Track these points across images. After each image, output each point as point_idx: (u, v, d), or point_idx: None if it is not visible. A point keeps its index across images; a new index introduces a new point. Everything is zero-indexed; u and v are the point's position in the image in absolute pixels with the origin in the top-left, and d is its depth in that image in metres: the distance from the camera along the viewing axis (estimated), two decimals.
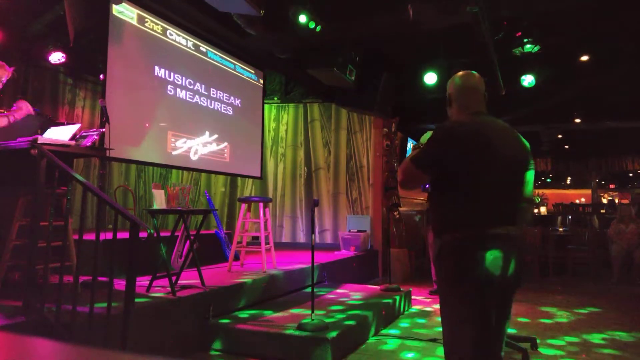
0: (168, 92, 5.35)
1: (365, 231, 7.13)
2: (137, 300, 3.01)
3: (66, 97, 6.41)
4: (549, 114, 8.38)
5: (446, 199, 1.88)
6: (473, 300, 1.75)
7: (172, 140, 5.41)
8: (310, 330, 3.29)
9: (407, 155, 2.03)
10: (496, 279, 1.74)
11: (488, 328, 1.77)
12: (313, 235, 3.61)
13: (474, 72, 2.05)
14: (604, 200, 18.53)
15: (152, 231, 2.61)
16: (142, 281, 3.65)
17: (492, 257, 1.74)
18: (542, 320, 4.57)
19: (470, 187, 1.80)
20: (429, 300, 5.62)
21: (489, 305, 1.76)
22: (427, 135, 1.99)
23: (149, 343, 3.05)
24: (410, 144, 8.74)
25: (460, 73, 2.05)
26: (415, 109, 8.44)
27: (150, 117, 5.11)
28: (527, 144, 1.96)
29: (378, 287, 5.21)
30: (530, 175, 1.91)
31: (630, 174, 17.84)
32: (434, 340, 3.82)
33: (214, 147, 6.09)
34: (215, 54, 6.17)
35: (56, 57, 5.45)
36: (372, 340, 3.85)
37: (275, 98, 8.19)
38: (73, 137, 3.32)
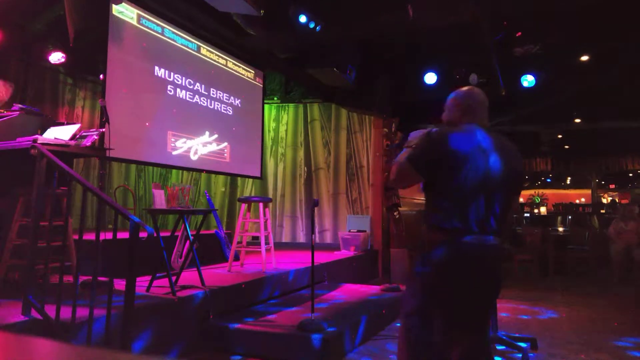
0: (168, 92, 5.36)
1: (365, 231, 7.13)
2: (137, 300, 3.01)
3: (66, 97, 6.41)
4: (549, 114, 8.38)
5: (433, 200, 1.94)
6: (423, 297, 1.87)
7: (172, 140, 5.40)
8: (310, 330, 3.29)
9: (401, 154, 2.05)
10: (461, 288, 1.83)
11: (428, 329, 1.86)
12: (313, 235, 3.61)
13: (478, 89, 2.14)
14: (604, 200, 18.54)
15: (152, 231, 2.61)
16: (142, 281, 3.64)
17: (462, 264, 1.82)
18: (542, 320, 4.57)
19: (455, 192, 1.85)
20: None
21: (435, 307, 1.86)
22: (417, 133, 2.05)
23: (149, 343, 3.04)
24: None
25: (472, 88, 2.13)
26: (415, 109, 8.42)
27: (150, 117, 5.11)
28: (521, 169, 2.05)
29: (378, 287, 5.20)
30: (515, 199, 2.03)
31: (630, 174, 17.84)
32: None
33: (213, 147, 6.09)
34: (215, 54, 6.16)
35: (56, 57, 5.45)
36: (372, 340, 3.84)
37: (275, 98, 8.18)
38: (73, 137, 3.32)
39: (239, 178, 8.10)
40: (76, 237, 2.98)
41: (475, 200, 1.83)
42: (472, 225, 1.82)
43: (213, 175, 7.90)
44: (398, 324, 4.27)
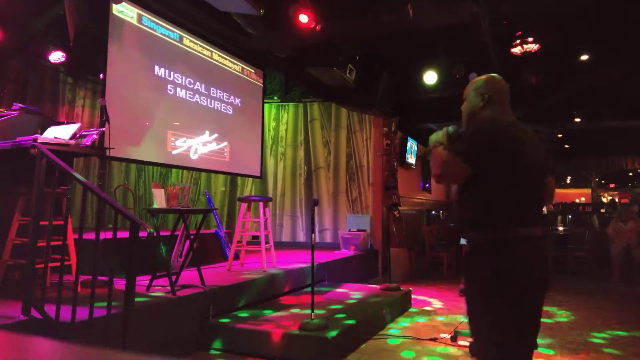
0: (168, 91, 5.35)
1: (365, 230, 7.13)
2: (137, 299, 3.01)
3: (66, 96, 6.41)
4: (549, 113, 8.38)
5: (480, 197, 1.86)
6: (507, 303, 1.75)
7: (172, 139, 5.40)
8: (310, 329, 3.29)
9: (430, 148, 1.97)
10: (527, 281, 1.76)
11: (520, 332, 1.79)
12: (313, 235, 3.61)
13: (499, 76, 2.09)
14: (604, 200, 18.54)
15: (152, 230, 2.61)
16: (142, 280, 3.65)
17: (524, 258, 1.75)
18: (542, 320, 4.57)
19: (506, 186, 1.80)
20: (429, 299, 5.62)
21: (524, 308, 1.79)
22: (435, 136, 1.99)
23: (149, 342, 3.05)
24: (410, 143, 8.73)
25: (496, 76, 2.06)
26: (415, 108, 8.44)
27: (150, 117, 5.11)
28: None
29: (378, 287, 5.21)
30: (550, 182, 1.99)
31: (630, 173, 17.85)
32: (434, 339, 3.83)
33: (213, 147, 6.09)
34: (215, 53, 6.16)
35: (56, 56, 5.45)
36: (372, 339, 3.85)
37: (275, 97, 8.18)
38: (73, 136, 3.32)
39: (238, 177, 8.10)
40: (76, 236, 2.98)
41: (528, 190, 1.82)
42: (529, 217, 1.80)
43: (213, 175, 7.90)
44: (403, 324, 4.29)
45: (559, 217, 11.50)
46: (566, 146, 12.64)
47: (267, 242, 4.81)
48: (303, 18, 4.81)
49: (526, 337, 1.82)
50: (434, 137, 1.99)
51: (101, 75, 4.58)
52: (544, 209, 2.12)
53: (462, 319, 4.38)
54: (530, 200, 1.84)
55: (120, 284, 2.88)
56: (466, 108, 2.05)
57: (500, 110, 1.96)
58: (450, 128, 1.99)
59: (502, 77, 2.06)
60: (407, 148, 8.63)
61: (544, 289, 1.85)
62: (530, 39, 5.34)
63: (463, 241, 4.28)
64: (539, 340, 3.69)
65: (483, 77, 2.07)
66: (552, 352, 3.56)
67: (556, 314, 4.87)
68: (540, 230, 1.83)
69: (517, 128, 1.89)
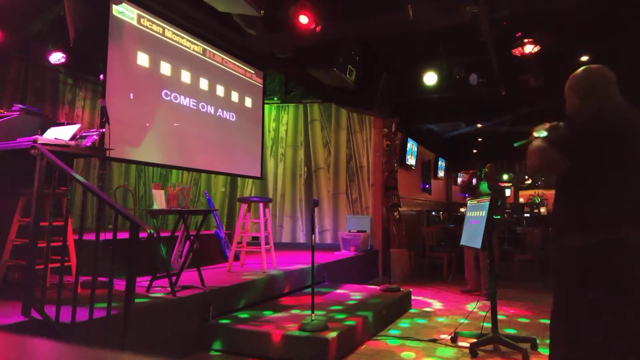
0: (168, 91, 5.35)
1: (365, 231, 7.13)
2: (137, 300, 3.01)
3: (66, 97, 6.41)
4: (549, 113, 8.35)
5: (581, 194, 1.65)
6: (614, 319, 1.50)
7: (172, 139, 5.40)
8: (310, 330, 3.29)
9: (535, 142, 1.77)
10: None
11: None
12: (313, 236, 3.60)
13: (599, 65, 1.91)
14: None
15: (152, 231, 2.60)
16: (142, 281, 3.65)
17: (629, 264, 1.51)
18: (542, 321, 4.57)
19: (615, 181, 1.59)
20: (429, 300, 5.62)
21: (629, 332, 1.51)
22: (541, 127, 1.86)
23: (149, 343, 3.04)
24: (410, 144, 8.74)
25: (591, 66, 1.90)
26: (415, 109, 8.44)
27: (149, 117, 5.11)
28: None
29: (378, 287, 5.20)
30: None
31: None
32: (434, 340, 3.83)
33: (213, 147, 6.09)
34: (215, 54, 6.16)
35: (56, 57, 5.46)
36: (372, 340, 3.84)
37: (276, 98, 8.19)
38: (73, 137, 3.32)
39: (239, 178, 8.10)
40: (76, 237, 2.98)
41: (635, 186, 1.60)
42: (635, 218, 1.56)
43: (213, 176, 7.90)
44: (403, 325, 4.29)
45: None
46: None
47: (267, 243, 4.80)
48: (303, 19, 4.81)
49: None
50: (538, 128, 1.85)
51: (101, 76, 4.58)
52: None
53: (462, 319, 4.38)
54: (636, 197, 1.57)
55: (120, 284, 2.88)
56: (567, 109, 1.91)
57: (601, 101, 1.77)
58: (561, 123, 1.82)
59: (602, 66, 1.87)
60: (407, 149, 8.63)
61: None
62: (530, 40, 5.34)
63: (464, 242, 4.29)
64: (539, 341, 3.69)
65: (579, 70, 1.90)
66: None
67: None
68: None
69: (623, 113, 1.68)
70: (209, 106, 6.01)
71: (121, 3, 4.68)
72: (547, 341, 1.80)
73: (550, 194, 20.74)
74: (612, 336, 1.51)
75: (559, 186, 1.74)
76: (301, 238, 7.96)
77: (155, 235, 3.52)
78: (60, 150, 3.05)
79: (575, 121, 1.74)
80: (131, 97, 4.85)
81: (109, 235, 3.00)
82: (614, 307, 1.50)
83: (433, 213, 10.29)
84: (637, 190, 1.59)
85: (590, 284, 1.54)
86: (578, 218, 1.64)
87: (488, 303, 3.81)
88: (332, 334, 3.26)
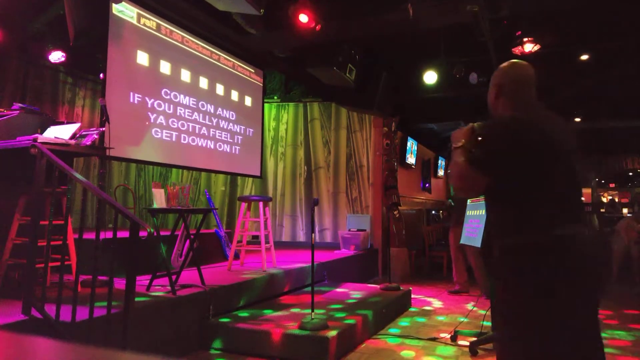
0: (168, 90, 5.35)
1: (365, 230, 7.14)
2: (137, 299, 3.01)
3: (66, 96, 6.41)
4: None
5: (508, 200, 1.65)
6: (553, 316, 1.50)
7: (173, 139, 5.40)
8: (310, 329, 3.29)
9: (452, 155, 1.72)
10: (573, 289, 1.51)
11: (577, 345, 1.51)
12: (313, 234, 3.61)
13: (524, 62, 1.82)
14: (604, 199, 18.54)
15: (152, 230, 2.61)
16: (142, 280, 3.65)
17: (567, 262, 1.52)
18: None
19: (535, 185, 1.59)
20: (428, 299, 5.62)
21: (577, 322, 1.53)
22: (459, 133, 1.76)
23: (149, 342, 3.05)
24: (410, 143, 8.74)
25: (512, 63, 1.81)
26: (415, 108, 8.44)
27: (149, 116, 5.11)
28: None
29: (378, 286, 5.21)
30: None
31: (630, 173, 17.85)
32: (433, 339, 3.83)
33: (214, 146, 6.09)
34: (215, 53, 6.16)
35: (56, 56, 5.46)
36: (372, 339, 3.85)
37: (275, 97, 8.19)
38: (73, 136, 3.33)
39: (239, 177, 8.10)
40: (76, 236, 2.98)
41: (557, 187, 1.59)
42: (563, 217, 1.57)
43: (213, 175, 7.90)
44: (403, 323, 4.29)
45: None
46: None
47: (267, 242, 4.81)
48: (303, 18, 4.81)
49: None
50: (457, 135, 1.73)
51: (101, 75, 4.58)
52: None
53: (462, 318, 4.38)
54: (564, 196, 1.60)
55: (120, 283, 2.89)
56: (488, 102, 1.85)
57: (513, 105, 1.73)
58: (477, 125, 1.73)
59: (526, 63, 1.79)
60: (407, 148, 8.64)
61: (594, 304, 1.57)
62: (530, 39, 5.34)
63: (463, 240, 4.29)
64: None
65: (504, 64, 1.81)
66: None
67: None
68: (587, 228, 1.60)
69: (538, 122, 1.65)
70: (208, 105, 6.01)
71: (121, 2, 4.67)
72: None
73: None
74: (544, 340, 1.51)
75: (490, 192, 1.72)
76: (301, 237, 7.97)
77: (155, 234, 3.52)
78: (60, 149, 3.05)
79: (489, 130, 1.68)
80: (131, 96, 4.85)
81: (109, 234, 3.00)
82: (545, 313, 1.51)
83: (433, 212, 10.30)
84: (558, 194, 1.59)
85: (523, 285, 1.56)
86: (507, 223, 1.65)
87: (488, 302, 3.81)
88: (332, 333, 3.26)
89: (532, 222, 1.58)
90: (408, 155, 8.69)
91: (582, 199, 1.68)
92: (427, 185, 10.51)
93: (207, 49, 6.01)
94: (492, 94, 1.81)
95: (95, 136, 3.41)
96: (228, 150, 6.39)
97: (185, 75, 5.63)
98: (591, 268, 1.55)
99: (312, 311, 3.45)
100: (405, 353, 3.49)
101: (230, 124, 6.45)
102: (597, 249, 1.60)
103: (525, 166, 1.58)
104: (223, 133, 6.28)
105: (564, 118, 1.80)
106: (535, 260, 1.54)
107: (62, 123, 3.70)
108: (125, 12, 4.80)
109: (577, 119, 8.97)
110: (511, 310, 1.60)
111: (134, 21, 4.92)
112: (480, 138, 1.65)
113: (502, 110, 1.77)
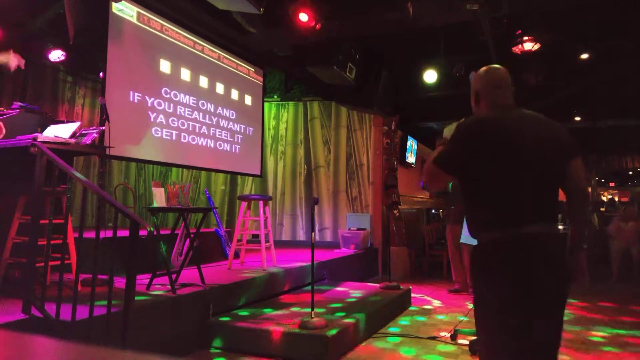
0: (168, 89, 5.35)
1: (365, 229, 7.14)
2: (137, 298, 3.02)
3: (66, 95, 6.40)
4: (549, 112, 8.33)
5: (474, 199, 1.73)
6: (511, 310, 1.58)
7: (173, 138, 5.40)
8: (310, 328, 3.29)
9: (432, 153, 1.82)
10: (535, 286, 1.58)
11: (529, 341, 1.61)
12: (313, 233, 3.61)
13: (499, 65, 1.89)
14: (604, 199, 18.54)
15: (152, 229, 2.61)
16: (142, 279, 3.65)
17: (529, 260, 1.58)
18: None
19: (498, 184, 1.64)
20: (428, 298, 5.63)
21: (529, 316, 1.59)
22: (451, 126, 1.84)
23: (149, 341, 3.05)
24: (410, 142, 8.73)
25: (487, 68, 1.89)
26: (415, 107, 8.44)
27: (149, 115, 5.11)
28: (566, 132, 1.78)
29: (378, 285, 5.21)
30: (575, 166, 1.74)
31: (630, 172, 17.85)
32: (433, 338, 3.83)
33: (213, 145, 6.09)
34: (215, 52, 6.16)
35: (56, 55, 5.45)
36: (371, 338, 3.85)
37: (275, 96, 8.18)
38: (73, 135, 3.33)
39: (239, 176, 8.10)
40: (76, 235, 2.98)
41: (522, 186, 1.63)
42: (527, 215, 1.62)
43: (213, 174, 7.90)
44: (403, 322, 4.29)
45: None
46: None
47: (267, 241, 4.81)
48: (303, 17, 4.81)
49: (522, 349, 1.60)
50: (446, 132, 1.83)
51: (101, 74, 4.58)
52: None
53: (462, 317, 4.38)
54: (529, 195, 1.64)
55: (120, 282, 2.89)
56: (472, 106, 1.92)
57: (489, 107, 1.79)
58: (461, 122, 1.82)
59: (500, 67, 1.86)
60: (407, 147, 8.63)
61: (553, 297, 1.65)
62: (530, 37, 5.33)
63: (463, 239, 4.29)
64: None
65: (481, 69, 1.91)
66: None
67: None
68: (555, 226, 1.67)
69: (505, 123, 1.69)
70: (208, 104, 6.01)
71: (120, 1, 4.67)
72: None
73: None
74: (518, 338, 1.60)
75: (461, 191, 1.77)
76: (301, 236, 7.97)
77: (155, 233, 3.53)
78: (60, 148, 3.04)
79: (456, 130, 1.75)
80: (131, 94, 4.85)
81: (109, 233, 3.00)
82: (518, 309, 1.58)
83: (433, 211, 10.29)
84: (524, 191, 1.64)
85: (497, 278, 1.63)
86: (478, 217, 1.72)
87: None
88: (332, 332, 3.26)
89: (495, 220, 1.64)
90: (408, 154, 8.69)
91: (553, 197, 1.74)
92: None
93: (207, 48, 6.01)
94: (472, 100, 1.89)
95: (95, 135, 3.41)
96: (228, 149, 6.39)
97: (185, 74, 5.62)
98: (551, 266, 1.61)
99: (312, 310, 3.45)
100: (405, 352, 3.50)
101: (231, 123, 6.45)
102: (561, 248, 1.68)
103: (485, 166, 1.65)
104: (223, 132, 6.28)
105: (557, 120, 1.86)
106: (496, 256, 1.62)
107: (62, 122, 3.70)
108: (125, 10, 4.80)
109: (577, 118, 8.96)
110: (476, 306, 1.72)
111: (134, 20, 4.92)
112: (448, 137, 1.76)
113: (476, 115, 1.85)
